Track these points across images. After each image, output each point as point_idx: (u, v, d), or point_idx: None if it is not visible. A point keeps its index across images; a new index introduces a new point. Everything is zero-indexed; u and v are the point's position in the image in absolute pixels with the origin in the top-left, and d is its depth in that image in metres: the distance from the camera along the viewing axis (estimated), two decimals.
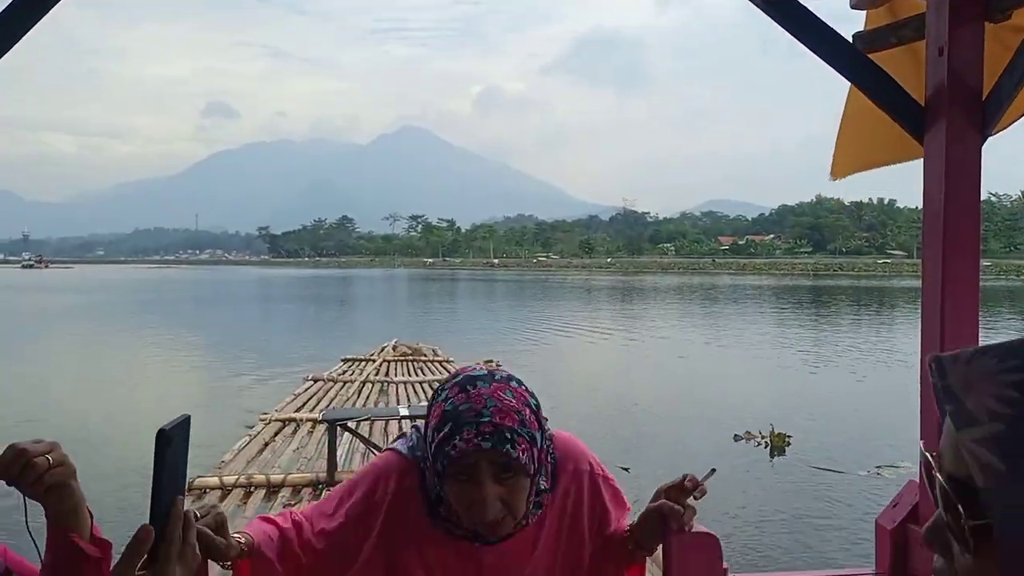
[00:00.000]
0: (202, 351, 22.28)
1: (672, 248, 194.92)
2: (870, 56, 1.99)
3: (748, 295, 50.57)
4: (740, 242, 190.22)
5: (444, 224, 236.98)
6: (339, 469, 7.39)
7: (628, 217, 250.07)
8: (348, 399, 11.99)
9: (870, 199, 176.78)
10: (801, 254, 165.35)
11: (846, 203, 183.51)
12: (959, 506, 0.60)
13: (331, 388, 12.92)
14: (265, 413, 10.62)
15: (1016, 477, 0.55)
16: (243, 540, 1.48)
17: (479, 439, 1.41)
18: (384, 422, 9.71)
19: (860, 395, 14.38)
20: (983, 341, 1.76)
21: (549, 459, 1.59)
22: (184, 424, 1.15)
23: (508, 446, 1.42)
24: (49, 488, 1.27)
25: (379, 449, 7.61)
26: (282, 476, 7.56)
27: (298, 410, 11.07)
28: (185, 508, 1.15)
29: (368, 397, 12.26)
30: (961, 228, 1.78)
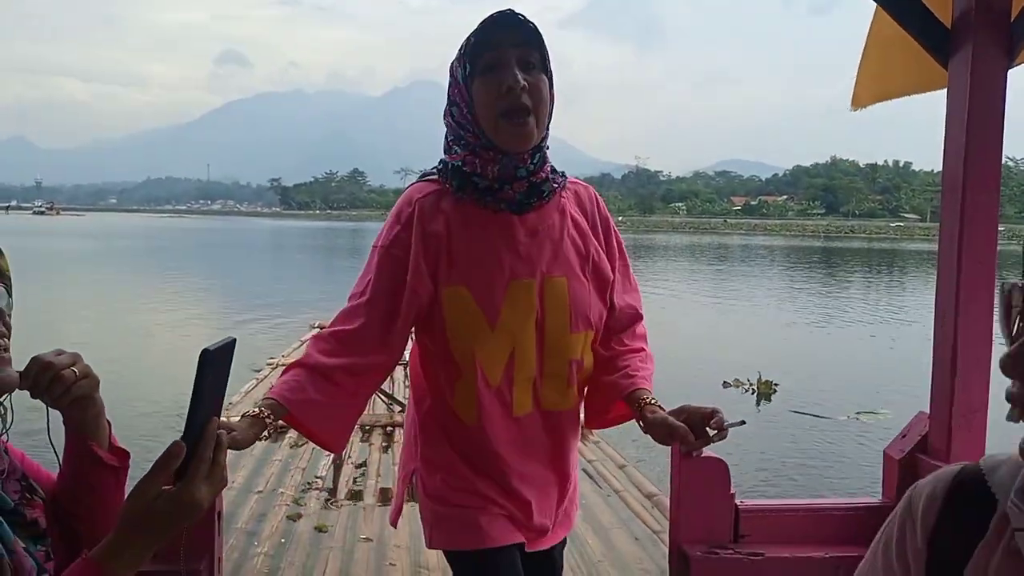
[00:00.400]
0: (214, 297, 22.42)
1: (684, 208, 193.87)
2: None
3: (757, 255, 50.57)
4: (752, 203, 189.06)
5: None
6: None
7: (640, 175, 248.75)
8: None
9: (885, 161, 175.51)
10: (814, 215, 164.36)
11: (861, 165, 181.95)
12: None
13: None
14: (272, 357, 10.67)
15: None
16: (268, 405, 1.56)
17: (503, 15, 1.60)
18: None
19: (855, 350, 14.60)
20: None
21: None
22: (228, 347, 1.13)
23: (529, 24, 1.62)
24: (74, 399, 1.27)
25: (386, 394, 7.63)
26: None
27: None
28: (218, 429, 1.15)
29: None
30: (983, 151, 1.73)
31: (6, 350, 1.21)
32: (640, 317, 1.88)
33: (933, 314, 1.82)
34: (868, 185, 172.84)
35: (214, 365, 1.10)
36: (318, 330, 13.05)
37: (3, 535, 1.16)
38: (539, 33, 1.64)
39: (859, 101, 2.14)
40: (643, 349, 1.84)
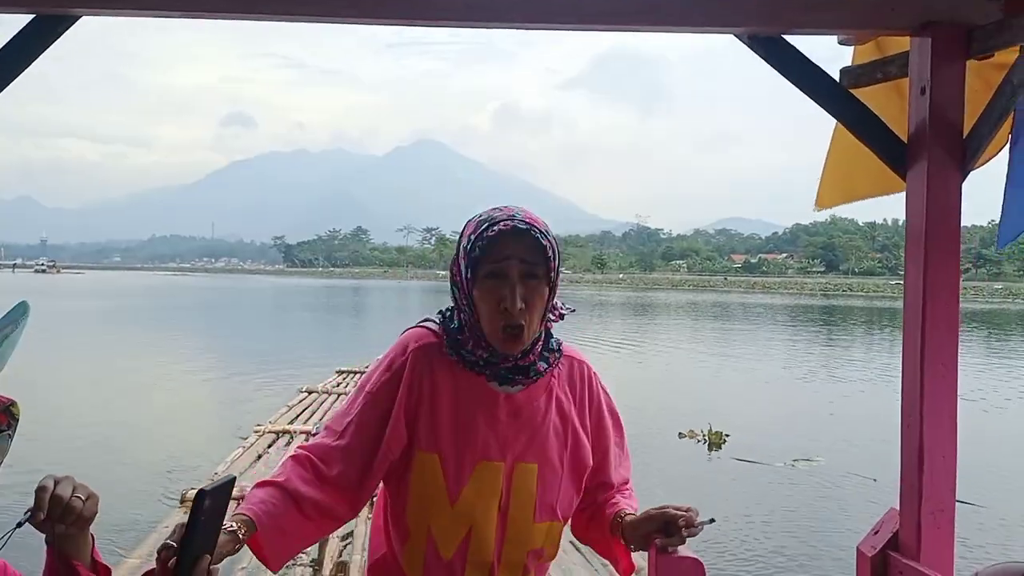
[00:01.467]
0: (205, 359, 22.37)
1: (684, 265, 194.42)
2: (856, 92, 2.02)
3: (755, 313, 50.93)
4: (752, 260, 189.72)
5: (457, 236, 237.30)
6: None
7: (641, 233, 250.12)
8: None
9: (884, 220, 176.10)
10: (814, 273, 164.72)
11: (860, 223, 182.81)
12: None
13: (325, 399, 12.90)
14: (259, 425, 10.64)
15: None
16: (243, 521, 1.54)
17: (514, 223, 1.59)
18: None
19: (822, 404, 15.57)
20: (962, 363, 1.77)
21: (555, 316, 1.72)
22: (226, 486, 1.17)
23: (539, 236, 1.60)
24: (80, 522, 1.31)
25: None
26: None
27: (291, 422, 11.07)
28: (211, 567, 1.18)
29: None
30: (941, 260, 1.81)
31: None
32: (626, 483, 1.88)
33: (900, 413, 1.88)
34: (867, 243, 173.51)
35: (211, 503, 1.13)
36: (306, 394, 13.05)
37: None
38: (547, 240, 1.61)
39: (823, 203, 2.25)
40: (627, 490, 1.86)
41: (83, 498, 1.32)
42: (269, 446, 9.61)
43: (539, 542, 1.75)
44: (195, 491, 1.13)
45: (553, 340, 1.74)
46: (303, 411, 11.95)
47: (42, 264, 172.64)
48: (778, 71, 1.87)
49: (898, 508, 1.90)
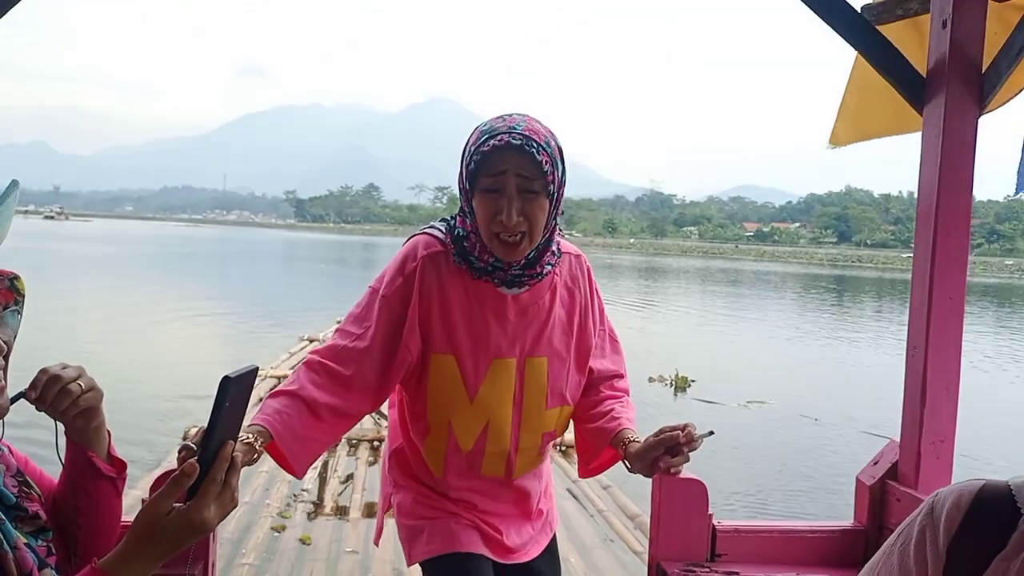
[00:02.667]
0: (210, 306, 22.53)
1: (696, 232, 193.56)
2: (877, 28, 2.01)
3: (754, 279, 51.74)
4: (765, 229, 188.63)
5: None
6: None
7: (654, 198, 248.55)
8: None
9: (900, 192, 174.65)
10: (826, 244, 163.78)
11: (875, 195, 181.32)
12: None
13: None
14: (261, 369, 10.72)
15: None
16: (258, 432, 1.60)
17: (510, 138, 1.60)
18: None
19: (797, 360, 16.57)
20: (968, 322, 1.79)
21: (559, 226, 1.77)
22: (250, 375, 1.19)
23: (535, 151, 1.60)
24: (79, 411, 1.33)
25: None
26: None
27: (293, 368, 11.19)
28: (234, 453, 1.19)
29: None
30: (955, 193, 1.82)
31: (3, 378, 1.23)
32: (621, 376, 1.96)
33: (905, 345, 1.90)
34: (881, 215, 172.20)
35: (235, 391, 1.15)
36: (307, 343, 13.14)
37: (6, 532, 1.21)
38: (545, 153, 1.62)
39: (837, 139, 2.25)
40: (623, 396, 1.93)
41: (83, 386, 1.34)
42: (271, 390, 9.68)
43: (551, 426, 1.86)
44: (217, 385, 1.15)
45: (554, 243, 1.78)
46: (304, 358, 11.96)
47: (51, 212, 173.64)
48: (802, 1, 1.86)
49: (897, 440, 1.93)
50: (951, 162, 1.80)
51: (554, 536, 2.07)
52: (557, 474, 6.15)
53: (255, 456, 1.58)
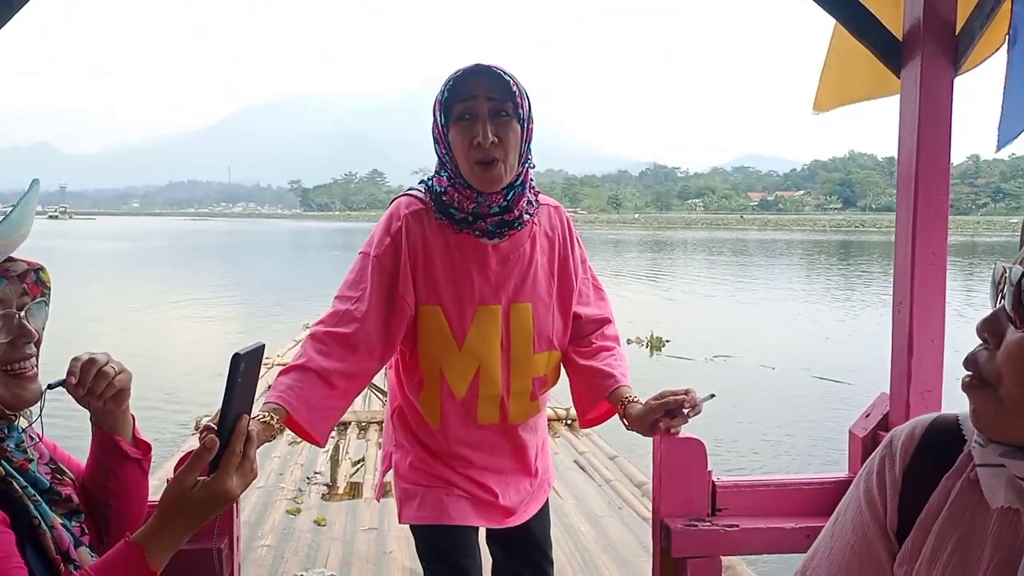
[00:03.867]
0: (218, 296, 22.72)
1: (701, 204, 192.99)
2: None
3: (752, 249, 52.78)
4: (769, 198, 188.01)
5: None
6: None
7: (658, 172, 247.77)
8: None
9: None
10: (831, 210, 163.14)
11: (879, 158, 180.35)
12: (1021, 291, 0.84)
13: None
14: (267, 358, 10.82)
15: None
16: (272, 410, 1.68)
17: (478, 66, 1.72)
18: (384, 366, 9.81)
19: (765, 318, 18.16)
20: (950, 275, 1.87)
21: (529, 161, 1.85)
22: (258, 351, 1.26)
23: (502, 73, 1.73)
24: (114, 393, 1.41)
25: (381, 391, 7.76)
26: None
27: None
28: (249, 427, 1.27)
29: None
30: (934, 151, 1.87)
31: (35, 365, 1.31)
32: (608, 321, 2.05)
33: (891, 301, 1.98)
34: (886, 179, 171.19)
35: (245, 367, 1.22)
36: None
37: (43, 512, 1.29)
38: (511, 81, 1.75)
39: (820, 106, 2.31)
40: (614, 348, 2.02)
41: (115, 368, 1.42)
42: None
43: (541, 370, 1.95)
44: (231, 358, 1.23)
45: (530, 193, 1.87)
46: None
47: (55, 211, 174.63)
48: None
49: (888, 393, 2.01)
50: (929, 123, 1.86)
51: (547, 498, 2.15)
52: (563, 446, 6.25)
53: (273, 434, 1.66)
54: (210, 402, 8.35)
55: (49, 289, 1.36)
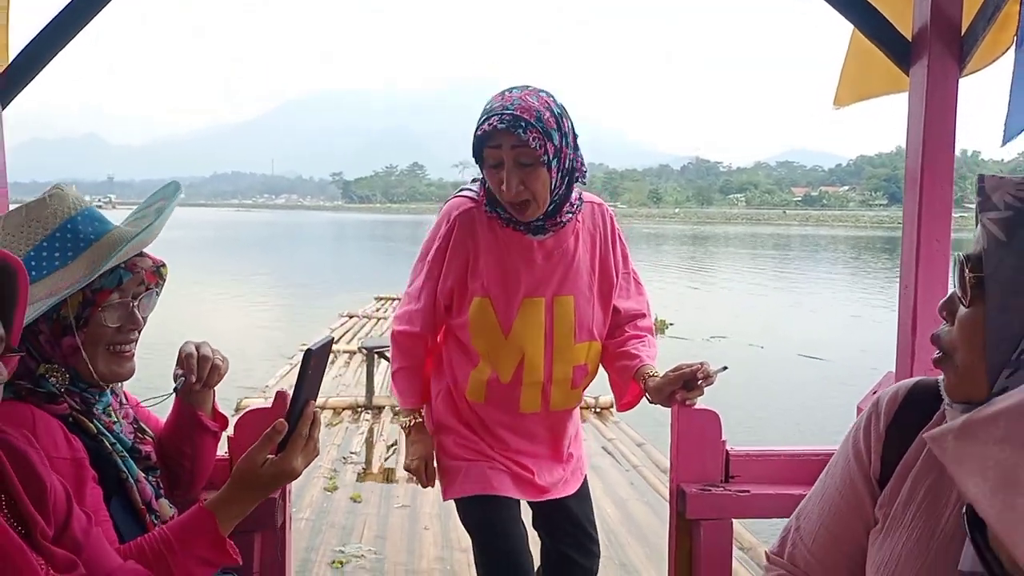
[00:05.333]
0: (261, 286, 23.18)
1: (742, 199, 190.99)
2: None
3: (788, 244, 53.42)
4: (813, 193, 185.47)
5: None
6: (376, 395, 7.64)
7: (700, 166, 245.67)
8: (381, 334, 12.34)
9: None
10: (875, 206, 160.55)
11: None
12: (966, 268, 0.99)
13: (364, 324, 13.28)
14: (304, 344, 11.01)
15: (1008, 245, 0.95)
16: (413, 415, 2.21)
17: (497, 121, 1.81)
18: None
19: (768, 305, 19.51)
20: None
21: (577, 174, 1.97)
22: (327, 344, 1.43)
23: (520, 131, 1.80)
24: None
25: None
26: (323, 399, 7.55)
27: (335, 343, 11.37)
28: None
29: None
30: (939, 145, 2.00)
31: (134, 347, 1.48)
32: (643, 315, 2.19)
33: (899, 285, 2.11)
34: None
35: (315, 360, 1.38)
36: (346, 318, 13.51)
37: (130, 467, 1.46)
38: (533, 128, 1.80)
39: (841, 100, 2.43)
40: (644, 336, 2.17)
41: (221, 360, 1.63)
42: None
43: (582, 359, 2.10)
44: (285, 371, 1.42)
45: (574, 194, 2.01)
46: (344, 333, 12.30)
47: (99, 202, 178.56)
48: None
49: (893, 372, 2.13)
50: (934, 119, 1.98)
51: (585, 480, 2.31)
52: (592, 432, 6.43)
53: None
54: (252, 385, 8.61)
55: (164, 281, 1.53)
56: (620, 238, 2.15)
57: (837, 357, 12.28)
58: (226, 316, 16.47)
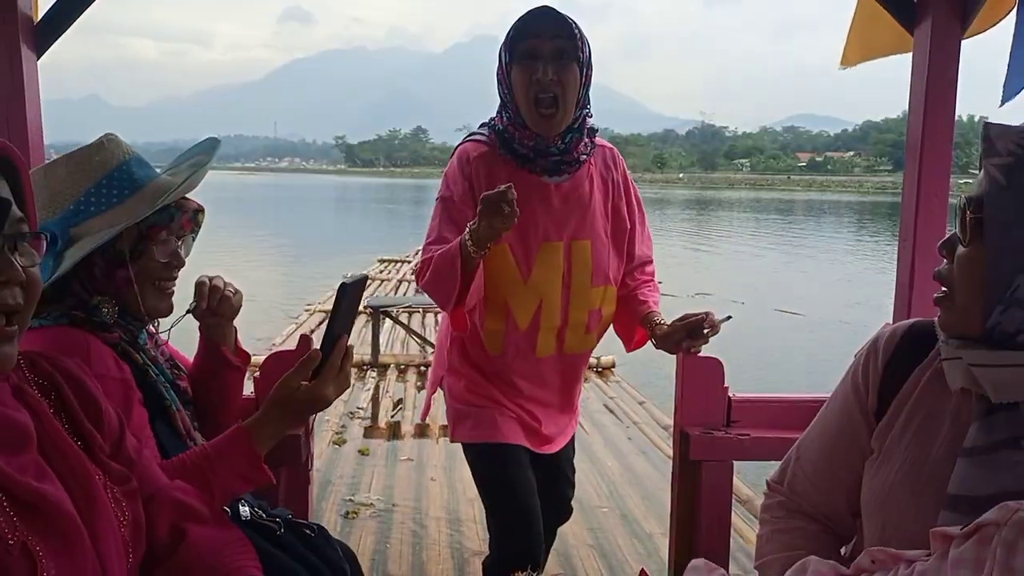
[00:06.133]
0: (268, 247, 23.30)
1: (747, 164, 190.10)
2: None
3: (783, 209, 54.14)
4: (818, 159, 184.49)
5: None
6: (382, 353, 7.65)
7: (705, 131, 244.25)
8: (387, 295, 12.21)
9: (960, 116, 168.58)
10: (881, 172, 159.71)
11: None
12: (968, 210, 1.07)
13: (369, 285, 13.10)
14: (310, 304, 10.95)
15: (1009, 191, 1.02)
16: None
17: (542, 8, 1.87)
18: (422, 313, 9.82)
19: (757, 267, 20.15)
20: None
21: (587, 110, 2.00)
22: (362, 281, 1.47)
23: (566, 17, 1.86)
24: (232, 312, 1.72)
25: (419, 336, 8.11)
26: None
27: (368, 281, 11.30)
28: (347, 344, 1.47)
29: (404, 294, 12.36)
30: (940, 102, 2.06)
31: (175, 285, 1.58)
32: (650, 261, 2.24)
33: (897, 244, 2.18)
34: None
35: (350, 294, 1.43)
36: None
37: (172, 397, 1.56)
38: (573, 25, 1.88)
39: (847, 60, 2.49)
40: (651, 280, 2.22)
41: (232, 291, 1.72)
42: (319, 324, 9.71)
43: (597, 303, 2.12)
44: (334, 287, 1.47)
45: (587, 136, 2.03)
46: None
47: None
48: None
49: (890, 322, 2.21)
50: (936, 78, 2.04)
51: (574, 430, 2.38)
52: (593, 390, 6.53)
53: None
54: (259, 340, 8.68)
55: (199, 227, 1.65)
56: (631, 182, 2.17)
57: (813, 313, 13.19)
58: (229, 276, 16.59)
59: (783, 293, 14.96)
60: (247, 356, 1.79)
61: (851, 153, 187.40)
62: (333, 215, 43.30)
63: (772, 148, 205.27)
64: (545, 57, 1.88)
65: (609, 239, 2.11)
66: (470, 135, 2.12)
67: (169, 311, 1.59)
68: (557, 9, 1.87)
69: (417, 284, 2.10)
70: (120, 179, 1.49)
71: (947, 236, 1.15)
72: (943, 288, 1.16)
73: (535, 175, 2.01)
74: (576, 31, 1.89)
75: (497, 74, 1.99)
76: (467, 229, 1.85)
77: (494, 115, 2.07)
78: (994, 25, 2.10)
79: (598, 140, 2.09)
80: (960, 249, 1.11)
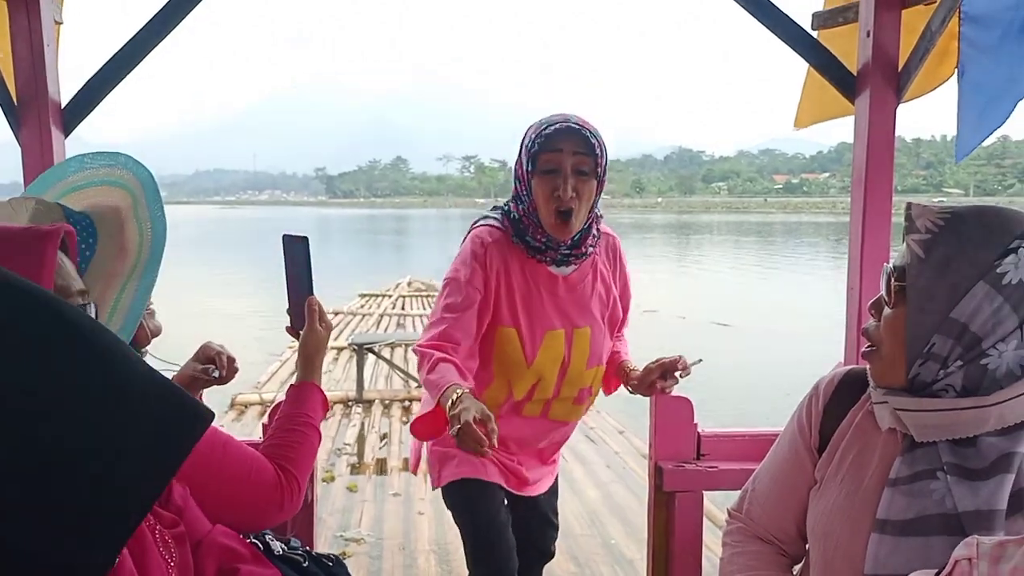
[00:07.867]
0: (244, 282, 23.33)
1: (724, 187, 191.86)
2: (827, 31, 2.49)
3: (756, 231, 56.10)
4: (794, 181, 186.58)
5: (496, 164, 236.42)
6: (366, 389, 7.80)
7: (683, 155, 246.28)
8: (368, 330, 12.33)
9: (932, 136, 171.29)
10: None
11: (907, 140, 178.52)
12: (892, 277, 1.29)
13: (351, 320, 13.34)
14: (294, 342, 11.03)
15: (927, 263, 1.22)
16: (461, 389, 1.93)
17: (568, 123, 1.95)
18: (404, 348, 9.89)
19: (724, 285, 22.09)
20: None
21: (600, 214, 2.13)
22: (303, 240, 1.64)
23: (589, 135, 1.95)
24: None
25: (403, 372, 8.25)
26: None
27: None
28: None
29: (386, 329, 12.56)
30: (880, 165, 2.31)
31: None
32: (625, 323, 2.40)
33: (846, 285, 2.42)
34: (912, 160, 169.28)
35: (294, 249, 1.62)
36: (331, 315, 13.36)
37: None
38: (595, 143, 1.94)
39: (800, 123, 2.73)
40: (622, 335, 2.41)
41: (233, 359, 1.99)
42: None
43: (588, 382, 2.26)
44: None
45: (595, 229, 2.14)
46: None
47: None
48: (749, 13, 2.34)
49: (842, 361, 2.43)
50: (876, 142, 2.29)
51: (556, 477, 2.54)
52: None
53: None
54: (241, 379, 8.71)
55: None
56: (626, 267, 2.30)
57: (744, 325, 14.66)
58: (212, 313, 16.57)
59: (716, 308, 16.24)
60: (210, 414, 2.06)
61: (826, 174, 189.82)
62: (314, 247, 43.19)
63: (749, 171, 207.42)
64: (566, 173, 1.96)
65: (605, 324, 2.24)
66: (483, 219, 2.20)
67: (158, 331, 1.91)
68: (581, 124, 1.95)
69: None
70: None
71: (876, 298, 1.36)
72: (869, 344, 1.36)
73: (544, 264, 2.13)
74: (597, 148, 1.97)
75: (515, 170, 2.08)
76: (450, 402, 1.87)
77: (509, 200, 2.15)
78: (931, 91, 2.35)
79: (603, 228, 2.21)
80: (886, 310, 1.31)
